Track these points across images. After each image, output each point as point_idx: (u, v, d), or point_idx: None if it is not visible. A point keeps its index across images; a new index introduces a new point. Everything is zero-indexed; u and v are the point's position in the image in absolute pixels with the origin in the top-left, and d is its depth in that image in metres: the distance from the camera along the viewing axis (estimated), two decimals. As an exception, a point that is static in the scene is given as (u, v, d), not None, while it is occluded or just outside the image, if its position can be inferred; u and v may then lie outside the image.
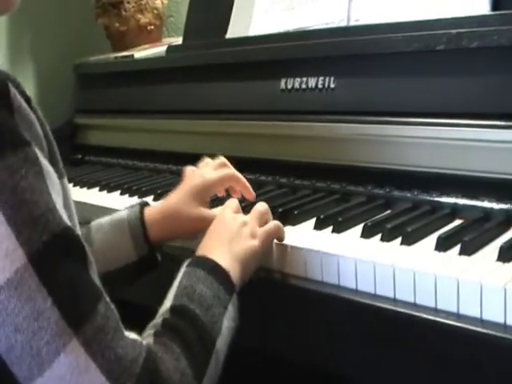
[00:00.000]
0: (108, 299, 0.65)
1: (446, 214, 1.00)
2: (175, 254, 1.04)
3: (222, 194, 1.06)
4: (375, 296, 0.84)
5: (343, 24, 1.28)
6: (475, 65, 1.04)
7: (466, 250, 0.85)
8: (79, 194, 1.50)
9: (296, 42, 1.31)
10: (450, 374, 0.76)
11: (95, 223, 1.03)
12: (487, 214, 0.97)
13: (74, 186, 1.58)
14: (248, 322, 0.81)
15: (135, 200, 1.37)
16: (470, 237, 0.87)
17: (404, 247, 0.90)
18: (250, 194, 1.05)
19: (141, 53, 1.82)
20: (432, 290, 0.79)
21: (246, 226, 0.91)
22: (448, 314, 0.77)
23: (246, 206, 1.04)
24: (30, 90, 0.68)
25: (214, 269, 0.81)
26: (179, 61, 1.61)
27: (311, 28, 1.34)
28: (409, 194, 1.07)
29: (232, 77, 1.43)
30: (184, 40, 1.70)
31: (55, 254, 0.62)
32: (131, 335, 0.66)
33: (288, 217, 1.05)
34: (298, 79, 1.26)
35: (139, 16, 1.97)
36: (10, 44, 2.00)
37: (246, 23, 1.48)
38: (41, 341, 0.59)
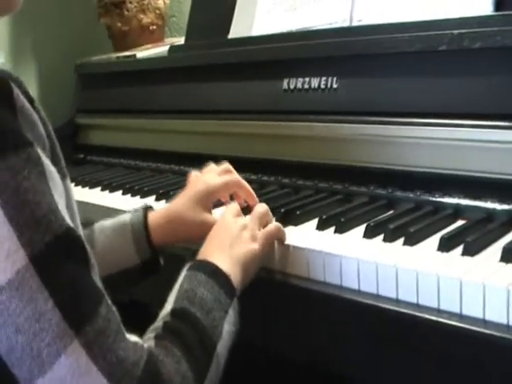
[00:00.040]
0: (110, 302, 0.65)
1: (449, 214, 1.00)
2: (178, 253, 1.04)
3: (225, 199, 1.06)
4: (378, 296, 0.84)
5: (346, 24, 1.28)
6: (478, 65, 1.03)
7: (469, 251, 0.85)
8: (81, 193, 1.50)
9: (299, 42, 1.31)
10: (453, 375, 0.76)
11: (98, 225, 1.03)
12: (490, 214, 0.97)
13: (76, 185, 1.58)
14: (250, 321, 0.81)
15: (137, 200, 1.37)
16: (472, 237, 0.87)
17: (406, 248, 0.90)
18: (254, 200, 1.05)
19: (143, 53, 1.82)
20: (435, 291, 0.79)
21: (246, 230, 0.91)
22: (451, 315, 0.77)
23: (247, 207, 1.04)
24: (32, 90, 0.68)
25: (214, 272, 0.81)
26: (181, 61, 1.61)
27: (314, 28, 1.34)
28: (411, 195, 1.07)
29: (234, 77, 1.43)
30: (186, 40, 1.70)
31: (57, 255, 0.62)
32: (132, 338, 0.65)
33: (290, 217, 1.05)
34: (301, 79, 1.26)
35: (141, 16, 1.97)
36: (12, 44, 2.00)
37: (249, 23, 1.48)
38: (42, 342, 0.59)
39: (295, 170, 1.26)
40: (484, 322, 0.75)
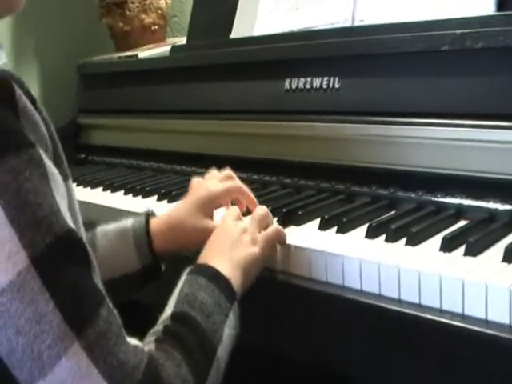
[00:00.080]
0: (111, 304, 0.65)
1: (451, 214, 1.00)
2: (181, 254, 1.04)
3: (227, 206, 1.06)
4: (380, 296, 0.84)
5: (348, 24, 1.28)
6: (480, 65, 1.03)
7: (471, 251, 0.85)
8: (83, 193, 1.50)
9: (300, 42, 1.31)
10: (455, 375, 0.76)
11: (101, 229, 1.03)
12: (492, 214, 0.97)
13: (78, 185, 1.58)
14: (253, 321, 0.81)
15: (139, 200, 1.37)
16: (475, 238, 0.87)
17: (409, 248, 0.90)
18: (255, 206, 1.04)
19: (145, 53, 1.82)
20: (437, 291, 0.79)
21: (246, 233, 0.91)
22: (453, 315, 0.77)
23: (248, 212, 1.04)
24: (34, 90, 0.68)
25: (215, 276, 0.81)
26: (183, 61, 1.61)
27: (316, 28, 1.34)
28: (413, 195, 1.07)
29: (236, 77, 1.43)
30: (188, 40, 1.70)
31: (58, 256, 0.62)
32: (133, 341, 0.65)
33: (292, 217, 1.05)
34: (303, 79, 1.26)
35: (143, 16, 1.97)
36: (14, 44, 2.00)
37: (251, 23, 1.48)
38: (42, 344, 0.59)
39: (297, 170, 1.26)
40: (486, 323, 0.75)
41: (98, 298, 0.64)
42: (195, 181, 1.06)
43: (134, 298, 1.08)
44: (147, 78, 1.70)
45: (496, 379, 0.74)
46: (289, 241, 0.96)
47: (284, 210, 1.06)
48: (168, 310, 0.76)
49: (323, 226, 1.01)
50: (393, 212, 1.06)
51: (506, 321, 0.73)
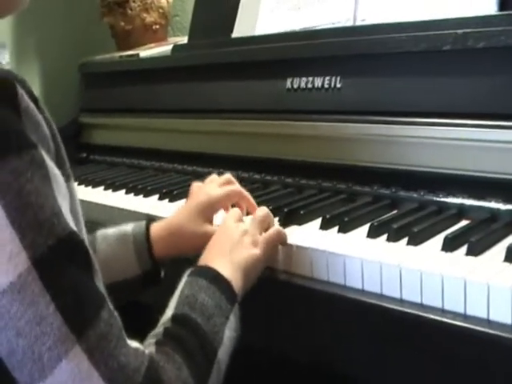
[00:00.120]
0: (112, 307, 0.65)
1: (453, 214, 1.00)
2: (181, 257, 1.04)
3: (227, 210, 1.06)
4: (381, 296, 0.84)
5: (349, 24, 1.28)
6: (482, 65, 1.03)
7: (473, 251, 0.85)
8: (84, 192, 1.50)
9: (302, 41, 1.30)
10: (457, 375, 0.76)
11: (101, 233, 1.03)
12: (494, 214, 0.97)
13: (79, 184, 1.58)
14: (254, 321, 0.81)
15: (140, 199, 1.37)
16: (476, 237, 0.87)
17: (410, 247, 0.90)
18: (255, 210, 1.05)
19: (146, 52, 1.82)
20: (439, 291, 0.79)
21: (247, 235, 0.91)
22: (455, 315, 0.77)
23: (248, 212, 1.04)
24: (35, 89, 0.68)
25: (215, 278, 0.81)
26: (185, 60, 1.61)
27: (317, 27, 1.34)
28: (415, 195, 1.07)
29: (238, 76, 1.43)
30: (189, 39, 1.70)
31: (60, 258, 0.61)
32: (133, 344, 0.65)
33: (294, 216, 1.05)
34: (304, 79, 1.26)
35: (145, 15, 1.97)
36: (15, 43, 2.00)
37: (252, 22, 1.48)
38: (43, 346, 0.59)
39: (298, 170, 1.26)
40: (488, 322, 0.75)
41: (99, 300, 0.63)
42: (195, 185, 1.06)
43: (135, 298, 1.08)
44: (148, 78, 1.70)
45: (498, 379, 0.73)
46: (290, 240, 0.96)
47: (285, 210, 1.06)
48: (168, 312, 0.76)
49: (325, 226, 1.01)
50: (394, 212, 1.06)
51: (508, 321, 0.73)
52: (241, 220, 0.96)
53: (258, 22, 1.47)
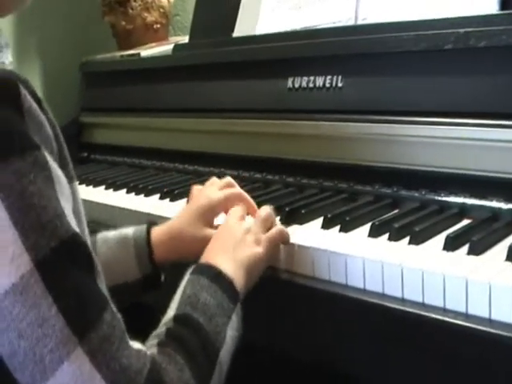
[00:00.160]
0: (114, 309, 0.64)
1: (454, 213, 1.00)
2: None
3: (228, 213, 1.05)
4: (383, 295, 0.84)
5: (351, 23, 1.28)
6: (483, 64, 1.03)
7: (475, 250, 0.85)
8: (85, 192, 1.50)
9: (303, 40, 1.30)
10: (459, 374, 0.76)
11: (101, 236, 1.02)
12: (495, 213, 0.97)
13: (80, 184, 1.58)
14: (255, 320, 0.81)
15: (141, 198, 1.37)
16: (478, 236, 0.87)
17: (412, 247, 0.90)
18: (256, 212, 1.05)
19: (147, 51, 1.82)
20: (440, 290, 0.79)
21: (249, 233, 0.91)
22: (457, 314, 0.77)
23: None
24: (37, 89, 0.68)
25: (217, 277, 0.81)
26: (185, 59, 1.61)
27: (318, 27, 1.33)
28: (416, 194, 1.07)
29: (239, 75, 1.43)
30: (190, 39, 1.70)
31: (62, 260, 0.61)
32: (135, 345, 0.65)
33: (295, 216, 1.05)
34: (306, 78, 1.26)
35: (145, 14, 1.97)
36: (16, 42, 2.00)
37: (253, 22, 1.47)
38: (44, 348, 0.59)
39: (300, 169, 1.26)
40: (490, 322, 0.75)
41: (102, 302, 0.63)
42: (195, 189, 1.06)
43: (136, 301, 1.08)
44: (149, 77, 1.70)
45: (500, 378, 0.73)
46: (292, 240, 0.96)
47: (287, 209, 1.06)
48: (170, 312, 0.75)
49: (326, 225, 1.01)
50: (396, 211, 1.06)
51: (510, 320, 0.73)
52: (243, 218, 0.96)
53: (258, 22, 1.47)
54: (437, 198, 1.04)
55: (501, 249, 0.86)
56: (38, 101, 0.66)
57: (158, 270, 1.00)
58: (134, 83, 1.77)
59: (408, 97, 1.11)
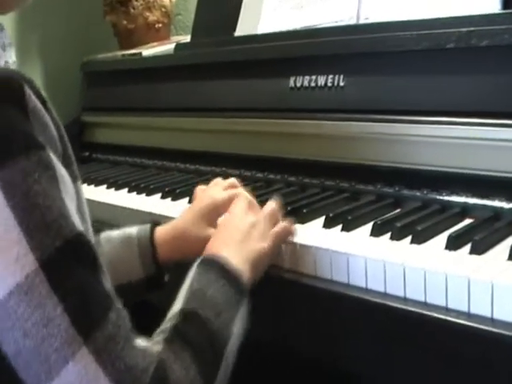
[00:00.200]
0: (120, 307, 0.64)
1: (456, 213, 1.00)
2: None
3: (233, 203, 1.05)
4: (385, 295, 0.84)
5: (352, 22, 1.28)
6: (485, 63, 1.03)
7: (477, 249, 0.84)
8: (87, 191, 1.48)
9: (305, 40, 1.30)
10: (461, 373, 0.76)
11: (105, 235, 1.02)
12: (497, 213, 0.97)
13: (82, 183, 1.57)
14: (257, 319, 0.81)
15: (143, 197, 1.37)
16: (480, 236, 0.87)
17: (414, 246, 0.90)
18: None
19: (149, 51, 1.82)
20: (443, 289, 0.78)
21: (256, 227, 0.91)
22: (459, 313, 0.77)
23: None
24: (38, 89, 0.68)
25: (225, 271, 0.80)
26: (187, 59, 1.61)
27: (320, 26, 1.33)
28: (418, 193, 1.07)
29: (240, 75, 1.42)
30: (192, 38, 1.70)
31: (67, 260, 0.61)
32: (142, 343, 0.64)
33: (297, 215, 1.05)
34: (308, 77, 1.26)
35: (147, 14, 1.97)
36: (17, 42, 2.00)
37: (255, 21, 1.47)
38: (49, 348, 0.59)
39: (302, 168, 1.26)
40: (492, 321, 0.74)
41: (107, 301, 0.63)
42: (199, 189, 1.06)
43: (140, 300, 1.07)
44: (151, 76, 1.70)
45: (502, 378, 0.73)
46: (294, 239, 0.96)
47: (288, 208, 1.06)
48: (177, 306, 0.75)
49: (328, 224, 1.01)
50: (398, 210, 1.06)
51: (512, 319, 0.73)
52: (251, 208, 0.95)
53: (260, 21, 1.47)
54: (439, 197, 1.04)
55: (503, 248, 0.86)
56: (43, 101, 0.67)
57: (162, 269, 1.00)
58: (135, 83, 1.77)
59: (410, 96, 1.11)
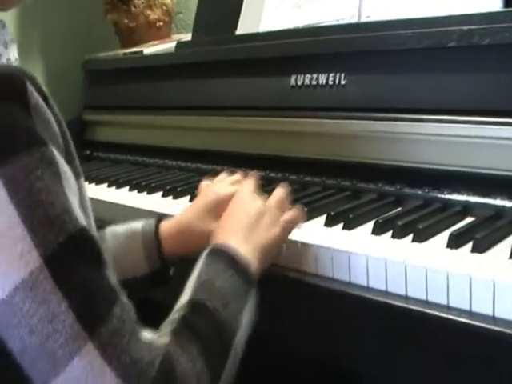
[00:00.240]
0: (125, 300, 0.64)
1: (458, 211, 1.00)
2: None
3: (241, 185, 1.05)
4: (387, 293, 0.84)
5: (354, 20, 1.28)
6: (486, 62, 1.03)
7: (479, 248, 0.84)
8: (88, 189, 1.49)
9: (306, 38, 1.30)
10: (463, 372, 0.76)
11: (110, 230, 1.02)
12: (499, 211, 0.97)
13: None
14: (258, 317, 0.81)
15: (144, 196, 1.37)
16: (482, 234, 0.87)
17: (415, 244, 0.90)
18: None
19: (150, 49, 1.82)
20: (444, 288, 0.78)
21: (265, 214, 0.90)
22: (460, 312, 0.77)
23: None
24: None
25: (234, 261, 0.80)
26: (188, 57, 1.61)
27: (322, 24, 1.33)
28: (420, 192, 1.07)
29: (242, 73, 1.42)
30: (193, 36, 1.70)
31: (71, 255, 0.62)
32: (148, 336, 0.64)
33: (298, 213, 1.05)
34: (309, 76, 1.26)
35: (148, 12, 1.97)
36: (18, 40, 1.99)
37: (256, 19, 1.47)
38: (55, 343, 0.59)
39: (303, 167, 1.26)
40: (494, 319, 0.74)
41: (111, 296, 0.63)
42: (204, 184, 1.06)
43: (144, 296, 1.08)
44: (152, 75, 1.70)
45: (503, 376, 0.73)
46: (295, 237, 0.95)
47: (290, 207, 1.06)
48: (185, 297, 0.75)
49: (329, 223, 1.01)
50: (399, 208, 1.06)
51: (514, 318, 0.73)
52: (258, 193, 0.95)
53: (262, 19, 1.46)
54: (440, 195, 1.04)
55: (504, 246, 0.86)
56: (45, 97, 0.67)
57: (167, 264, 1.00)
58: (136, 81, 1.77)
59: (411, 94, 1.11)
